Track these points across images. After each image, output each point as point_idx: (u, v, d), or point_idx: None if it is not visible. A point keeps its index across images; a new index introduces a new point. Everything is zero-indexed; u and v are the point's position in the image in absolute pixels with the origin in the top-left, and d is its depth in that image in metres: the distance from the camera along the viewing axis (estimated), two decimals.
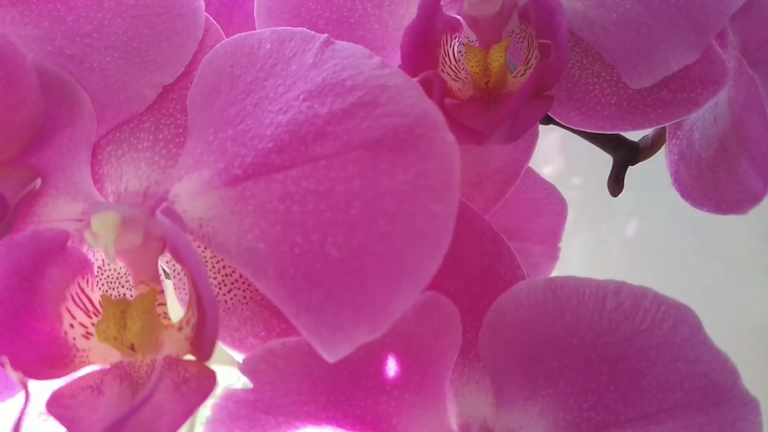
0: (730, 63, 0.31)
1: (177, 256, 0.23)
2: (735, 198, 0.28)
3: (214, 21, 0.30)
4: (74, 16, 0.28)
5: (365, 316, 0.22)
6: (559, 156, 0.88)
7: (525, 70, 0.29)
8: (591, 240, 0.90)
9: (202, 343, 0.23)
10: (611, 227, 0.90)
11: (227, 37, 0.39)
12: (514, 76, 0.29)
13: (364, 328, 0.22)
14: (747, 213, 0.28)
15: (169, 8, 0.29)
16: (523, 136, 0.29)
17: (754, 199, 0.27)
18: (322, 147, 0.23)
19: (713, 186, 0.30)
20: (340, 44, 0.26)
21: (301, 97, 0.25)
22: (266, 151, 0.24)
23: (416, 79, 0.27)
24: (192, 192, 0.25)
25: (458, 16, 0.30)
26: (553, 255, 0.40)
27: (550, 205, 0.39)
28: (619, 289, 0.27)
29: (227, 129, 0.25)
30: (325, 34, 0.26)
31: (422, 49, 0.28)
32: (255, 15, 0.31)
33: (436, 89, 0.26)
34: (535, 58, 0.28)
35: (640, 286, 0.27)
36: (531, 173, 0.37)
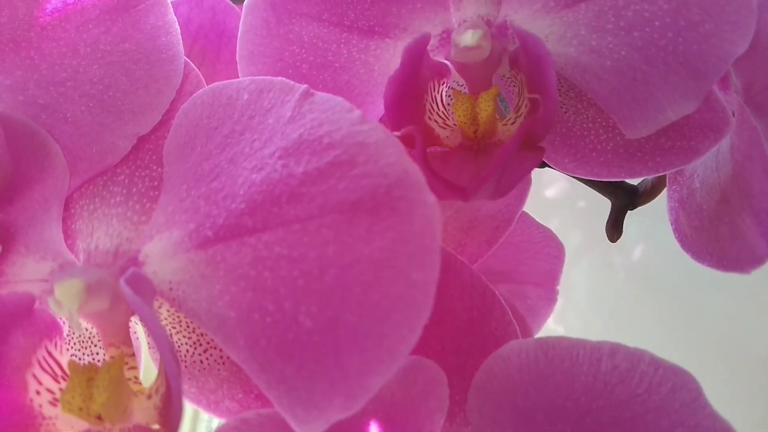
0: (733, 108, 0.30)
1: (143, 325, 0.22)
2: (737, 256, 0.27)
3: (193, 66, 0.30)
4: (48, 64, 0.28)
5: (340, 392, 0.21)
6: (564, 179, 0.86)
7: (515, 118, 0.28)
8: (597, 264, 0.89)
9: (169, 418, 0.22)
10: (617, 251, 0.88)
11: (213, 78, 0.38)
12: (504, 124, 0.28)
13: (338, 404, 0.21)
14: (750, 273, 0.26)
15: (148, 54, 0.28)
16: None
17: (756, 260, 0.26)
18: (296, 210, 0.22)
19: (714, 240, 0.28)
20: (320, 96, 0.24)
21: (276, 154, 0.23)
22: (238, 212, 0.23)
23: (398, 133, 0.26)
24: (163, 253, 0.24)
25: (446, 61, 0.29)
26: (551, 298, 0.38)
27: (547, 248, 0.37)
28: (614, 350, 0.26)
29: (200, 186, 0.24)
30: (305, 86, 0.25)
31: (407, 98, 0.27)
32: (237, 58, 0.30)
33: (417, 145, 0.25)
34: (526, 106, 0.27)
35: (636, 349, 0.25)
36: (525, 217, 0.36)
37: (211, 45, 0.36)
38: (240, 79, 0.27)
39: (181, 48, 0.29)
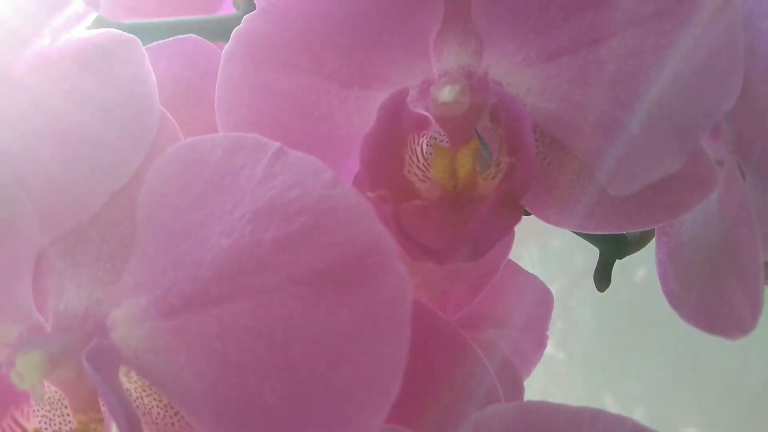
0: (722, 159, 0.29)
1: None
2: (724, 323, 0.26)
3: (170, 116, 0.29)
4: (20, 114, 0.27)
5: None
6: None
7: (496, 173, 0.27)
8: None
9: None
10: (620, 274, 0.87)
11: (197, 119, 0.38)
12: (484, 178, 0.27)
13: None
14: (737, 340, 0.25)
15: (123, 105, 0.28)
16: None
17: (742, 329, 0.25)
18: (262, 280, 0.22)
19: (701, 301, 0.27)
20: (293, 156, 0.24)
21: (246, 218, 0.23)
22: (205, 280, 0.22)
23: (372, 195, 0.25)
24: (130, 319, 0.23)
25: (427, 113, 0.29)
26: (541, 343, 0.38)
27: (535, 295, 0.37)
28: (595, 416, 0.25)
29: (169, 249, 0.24)
30: (278, 144, 0.24)
31: (384, 154, 0.26)
32: (216, 108, 0.30)
33: (390, 210, 0.24)
34: (506, 162, 0.26)
35: (617, 415, 0.25)
36: (512, 264, 0.35)
37: (195, 85, 0.36)
38: (214, 135, 0.26)
39: (157, 99, 0.28)
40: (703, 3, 0.25)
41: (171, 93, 0.36)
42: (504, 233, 0.25)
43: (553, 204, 0.29)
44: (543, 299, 0.37)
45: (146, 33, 0.42)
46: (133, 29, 0.41)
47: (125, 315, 0.24)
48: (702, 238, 0.28)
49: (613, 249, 0.33)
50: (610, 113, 0.26)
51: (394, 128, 0.26)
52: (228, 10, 0.43)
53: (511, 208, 0.25)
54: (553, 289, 0.94)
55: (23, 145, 0.27)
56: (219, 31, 0.41)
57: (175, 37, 0.34)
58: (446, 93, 0.26)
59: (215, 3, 0.47)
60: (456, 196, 0.27)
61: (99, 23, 0.40)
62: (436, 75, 0.29)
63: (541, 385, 0.89)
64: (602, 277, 0.33)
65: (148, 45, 0.34)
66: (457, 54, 0.29)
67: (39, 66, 0.28)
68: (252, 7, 0.30)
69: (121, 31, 0.28)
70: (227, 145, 0.25)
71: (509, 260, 0.33)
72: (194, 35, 0.34)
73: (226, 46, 0.30)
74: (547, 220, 0.30)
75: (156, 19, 0.42)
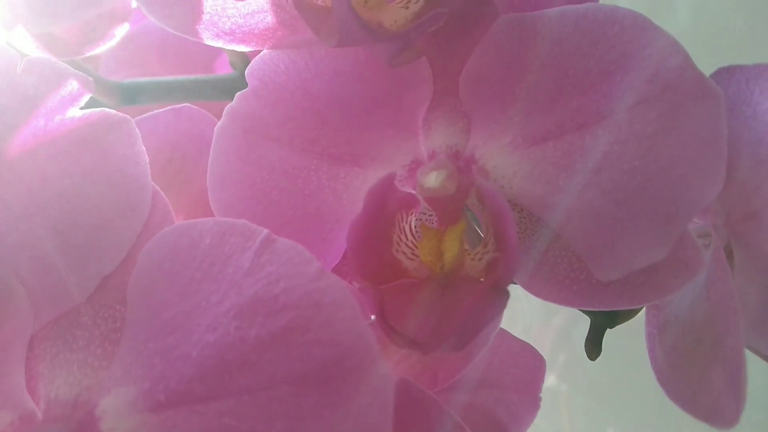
0: (712, 232, 0.29)
1: None
2: (707, 412, 0.26)
3: (162, 195, 0.29)
4: (18, 200, 0.28)
5: None
6: None
7: (483, 254, 0.27)
8: None
9: None
10: None
11: (191, 183, 0.38)
12: (472, 258, 0.28)
13: None
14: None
15: (116, 185, 0.28)
16: None
17: (726, 422, 0.25)
18: (246, 379, 0.22)
19: (687, 384, 0.27)
20: (280, 245, 0.24)
21: (231, 312, 0.23)
22: (190, 376, 0.23)
23: (357, 285, 0.25)
24: (118, 411, 0.24)
25: (415, 192, 0.29)
26: (534, 404, 0.38)
27: (527, 359, 0.37)
28: None
29: (157, 340, 0.24)
30: (266, 231, 0.25)
31: (371, 237, 0.26)
32: (208, 184, 0.30)
33: (373, 304, 0.25)
34: (492, 245, 0.27)
35: None
36: (503, 332, 0.36)
37: (191, 153, 0.36)
38: (204, 220, 0.26)
39: (149, 179, 0.29)
40: (686, 92, 0.25)
41: (167, 160, 0.36)
42: (489, 321, 0.25)
43: (542, 280, 0.29)
44: (535, 363, 0.37)
45: (145, 92, 0.42)
46: (131, 88, 0.42)
47: (114, 405, 0.24)
48: (688, 320, 0.28)
49: (605, 319, 0.34)
50: (594, 200, 0.26)
51: (381, 214, 0.27)
52: (225, 69, 0.44)
53: (496, 295, 0.25)
54: (556, 320, 0.93)
55: (15, 228, 0.27)
56: (216, 90, 0.42)
57: (171, 107, 0.35)
58: (432, 179, 0.26)
59: (213, 55, 0.48)
60: (443, 277, 0.27)
61: (98, 83, 0.41)
62: (425, 153, 0.29)
63: (543, 418, 0.88)
64: (593, 346, 0.33)
65: (145, 115, 0.35)
66: (445, 132, 0.29)
67: (33, 148, 0.28)
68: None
69: (114, 111, 0.29)
70: (216, 231, 0.26)
71: (501, 329, 0.33)
72: (189, 105, 0.35)
73: (219, 123, 0.30)
74: (536, 295, 0.30)
75: (154, 78, 0.43)
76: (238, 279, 0.24)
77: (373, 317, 0.25)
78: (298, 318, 0.22)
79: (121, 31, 0.35)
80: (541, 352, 0.39)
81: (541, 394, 0.37)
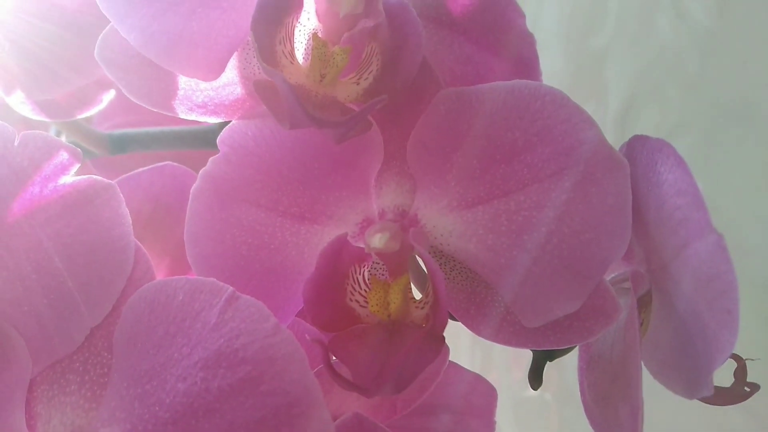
0: (630, 280, 0.32)
1: None
2: None
3: (144, 250, 0.33)
4: (15, 261, 0.31)
5: None
6: None
7: (424, 304, 0.31)
8: None
9: None
10: None
11: (174, 228, 0.42)
12: (416, 306, 0.31)
13: None
14: None
15: (103, 245, 0.32)
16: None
17: None
18: (210, 424, 0.26)
19: (604, 419, 0.31)
20: (243, 302, 0.28)
21: (198, 364, 0.27)
22: (164, 420, 0.26)
23: (309, 338, 0.29)
24: None
25: None
26: (490, 427, 0.41)
27: (480, 387, 0.40)
28: None
29: (137, 386, 0.28)
30: (231, 289, 0.28)
31: (324, 294, 0.30)
32: (185, 241, 0.34)
33: (322, 355, 0.28)
34: (432, 297, 0.30)
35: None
36: (453, 365, 0.39)
37: (173, 203, 0.40)
38: (178, 278, 0.30)
39: (132, 238, 0.32)
40: (596, 164, 0.29)
41: (151, 212, 0.40)
42: (425, 366, 0.29)
43: (482, 323, 0.33)
44: (488, 392, 0.40)
45: (134, 142, 0.46)
46: (121, 139, 0.46)
47: None
48: (608, 358, 0.32)
49: (543, 354, 0.37)
50: (516, 258, 0.30)
51: (334, 270, 0.30)
52: None
53: (432, 341, 0.29)
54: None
55: (12, 285, 0.31)
56: (198, 140, 0.46)
57: (154, 165, 0.38)
58: (377, 240, 0.30)
59: None
60: (390, 324, 0.31)
61: (90, 136, 0.45)
62: (375, 212, 0.33)
63: (528, 426, 0.91)
64: (535, 377, 0.37)
65: (131, 173, 0.39)
66: (394, 192, 0.33)
67: (29, 213, 0.32)
68: None
69: (100, 178, 0.33)
70: (188, 289, 0.29)
71: (451, 362, 0.36)
72: (171, 162, 0.38)
73: (194, 185, 0.34)
74: (479, 335, 0.33)
75: (142, 129, 0.46)
76: (206, 334, 0.28)
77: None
78: (255, 370, 0.26)
79: (108, 96, 0.39)
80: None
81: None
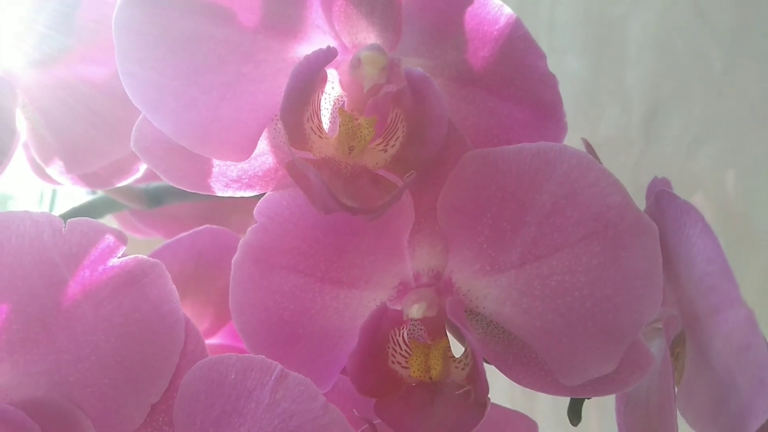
0: (663, 329, 0.33)
1: None
2: None
3: (193, 323, 0.35)
4: (74, 344, 0.33)
5: None
6: None
7: (464, 365, 0.32)
8: None
9: None
10: None
11: (216, 281, 0.43)
12: (456, 366, 0.33)
13: None
14: None
15: (154, 322, 0.34)
16: None
17: None
18: None
19: None
20: (292, 379, 0.30)
21: None
22: None
23: (360, 416, 0.31)
24: None
25: None
26: None
27: (520, 420, 0.42)
28: None
29: None
30: (279, 367, 0.30)
31: (368, 366, 0.31)
32: (230, 309, 0.35)
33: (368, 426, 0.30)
34: (472, 364, 0.31)
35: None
36: (493, 406, 0.40)
37: (215, 257, 0.42)
38: (229, 356, 0.32)
39: (181, 313, 0.34)
40: (625, 228, 0.30)
41: (194, 268, 0.42)
42: (472, 427, 0.30)
43: (522, 371, 0.34)
44: (529, 427, 0.42)
45: (169, 194, 0.48)
46: (156, 192, 0.48)
47: None
48: (643, 402, 0.33)
49: None
50: (552, 321, 0.31)
51: (375, 339, 0.32)
52: None
53: (477, 405, 0.30)
54: None
55: (74, 368, 0.33)
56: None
57: (194, 229, 0.40)
58: (415, 310, 0.31)
59: None
60: (433, 384, 0.32)
61: (126, 192, 0.46)
62: (410, 274, 0.34)
63: None
64: (574, 415, 0.38)
65: (172, 239, 0.40)
66: (428, 254, 0.34)
67: (81, 297, 0.34)
68: None
69: (147, 258, 0.34)
70: (240, 367, 0.31)
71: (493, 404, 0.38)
72: (209, 225, 0.40)
73: (235, 256, 0.35)
74: (519, 383, 0.34)
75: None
76: (260, 414, 0.29)
77: None
78: None
79: (144, 165, 0.40)
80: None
81: None
